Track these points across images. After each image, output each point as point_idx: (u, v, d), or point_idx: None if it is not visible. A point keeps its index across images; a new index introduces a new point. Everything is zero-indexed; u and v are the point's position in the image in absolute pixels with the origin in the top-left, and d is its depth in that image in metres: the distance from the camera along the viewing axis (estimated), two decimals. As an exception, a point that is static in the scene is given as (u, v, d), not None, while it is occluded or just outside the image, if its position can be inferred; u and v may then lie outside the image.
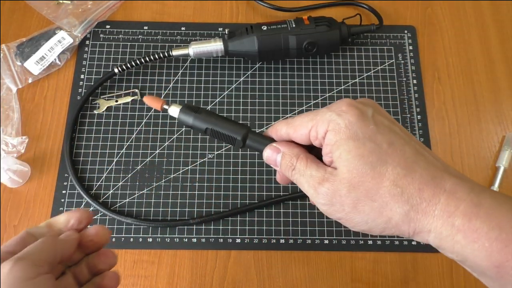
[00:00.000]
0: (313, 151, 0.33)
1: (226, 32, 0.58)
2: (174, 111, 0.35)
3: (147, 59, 0.58)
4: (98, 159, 0.56)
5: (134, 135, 0.57)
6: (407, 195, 0.28)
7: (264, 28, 0.57)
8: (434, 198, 0.27)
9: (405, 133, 0.31)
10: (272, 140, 0.34)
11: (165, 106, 0.35)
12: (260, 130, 0.58)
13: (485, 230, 0.26)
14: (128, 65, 0.58)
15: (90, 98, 0.59)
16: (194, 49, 0.58)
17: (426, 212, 0.27)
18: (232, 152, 0.57)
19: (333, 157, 0.29)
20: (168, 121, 0.58)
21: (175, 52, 0.58)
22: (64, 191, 0.54)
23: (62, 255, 0.29)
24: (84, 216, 0.32)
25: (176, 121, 0.34)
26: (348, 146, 0.29)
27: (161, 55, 0.58)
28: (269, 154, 0.33)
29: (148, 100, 0.36)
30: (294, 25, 0.57)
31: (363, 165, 0.28)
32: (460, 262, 0.28)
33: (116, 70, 0.58)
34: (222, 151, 0.57)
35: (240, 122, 0.35)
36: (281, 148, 0.33)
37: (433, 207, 0.27)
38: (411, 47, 0.63)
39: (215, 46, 0.58)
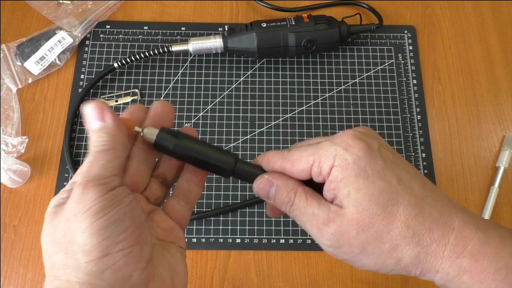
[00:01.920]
0: (307, 183, 0.30)
1: (226, 29, 0.58)
2: (149, 135, 0.29)
3: (147, 54, 0.59)
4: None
5: (134, 135, 0.57)
6: (418, 237, 0.27)
7: (264, 25, 0.57)
8: (444, 239, 0.27)
9: (408, 165, 0.30)
10: (261, 169, 0.31)
11: (137, 129, 0.29)
12: (259, 130, 0.58)
13: (492, 271, 0.26)
14: (128, 59, 0.59)
15: (90, 98, 0.59)
16: (193, 45, 0.58)
17: (435, 253, 0.27)
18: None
19: (339, 195, 0.27)
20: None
21: (174, 48, 0.58)
22: (64, 191, 0.54)
23: (120, 162, 0.27)
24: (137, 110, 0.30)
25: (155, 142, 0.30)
26: (358, 184, 0.27)
27: (161, 50, 0.58)
28: (260, 186, 0.30)
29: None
30: (293, 23, 0.58)
31: (374, 205, 0.27)
32: None
33: (115, 65, 0.59)
34: (222, 151, 0.57)
35: (227, 150, 0.31)
36: (275, 181, 0.30)
37: (443, 247, 0.27)
38: (411, 47, 0.63)
39: (215, 42, 0.58)
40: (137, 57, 0.59)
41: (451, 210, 0.28)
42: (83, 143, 0.57)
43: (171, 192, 0.33)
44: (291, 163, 0.29)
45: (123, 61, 0.59)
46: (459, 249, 0.26)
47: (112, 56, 0.61)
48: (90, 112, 0.27)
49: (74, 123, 0.57)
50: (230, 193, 0.55)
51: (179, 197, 0.32)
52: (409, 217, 0.27)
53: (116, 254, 0.24)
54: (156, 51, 0.58)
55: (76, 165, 0.55)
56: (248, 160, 0.31)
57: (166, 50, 0.58)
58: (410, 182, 0.28)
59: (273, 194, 0.30)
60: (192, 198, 0.32)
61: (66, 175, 0.55)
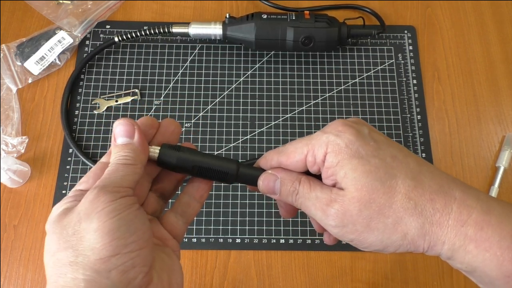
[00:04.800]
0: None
1: (227, 16, 0.59)
2: (152, 153, 0.31)
3: (148, 32, 0.60)
4: (98, 159, 0.56)
5: (134, 135, 0.57)
6: (420, 208, 0.27)
7: (264, 16, 0.58)
8: (447, 208, 0.27)
9: (401, 146, 0.30)
10: (263, 170, 0.32)
11: None
12: (259, 130, 0.58)
13: (496, 239, 0.26)
14: (129, 35, 0.60)
15: (91, 98, 0.59)
16: (193, 28, 0.59)
17: (440, 223, 0.27)
18: (232, 152, 0.57)
19: (337, 178, 0.28)
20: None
21: (175, 29, 0.59)
22: (64, 191, 0.54)
23: (135, 177, 0.28)
24: (148, 123, 0.32)
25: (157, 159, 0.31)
26: (353, 164, 0.28)
27: (162, 30, 0.59)
28: (265, 182, 0.31)
29: None
30: (294, 18, 0.58)
31: (372, 181, 0.27)
32: (468, 272, 0.28)
33: (116, 39, 0.60)
34: (222, 151, 0.57)
35: (227, 157, 0.32)
36: (278, 174, 0.31)
37: (446, 216, 0.27)
38: (411, 47, 0.63)
39: (214, 29, 0.59)
40: (138, 34, 0.60)
41: (450, 182, 0.28)
42: (83, 143, 0.57)
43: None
44: (286, 156, 0.30)
45: (124, 37, 0.60)
46: (463, 217, 0.27)
47: (112, 56, 0.61)
48: (120, 128, 0.29)
49: (69, 96, 0.57)
50: (230, 193, 0.55)
51: (177, 210, 0.33)
52: (409, 188, 0.27)
53: (124, 255, 0.25)
54: (157, 30, 0.59)
55: (76, 164, 0.55)
56: (248, 160, 0.32)
57: (167, 30, 0.59)
58: (405, 158, 0.29)
59: (278, 187, 0.31)
60: (190, 213, 0.33)
61: (66, 175, 0.55)
